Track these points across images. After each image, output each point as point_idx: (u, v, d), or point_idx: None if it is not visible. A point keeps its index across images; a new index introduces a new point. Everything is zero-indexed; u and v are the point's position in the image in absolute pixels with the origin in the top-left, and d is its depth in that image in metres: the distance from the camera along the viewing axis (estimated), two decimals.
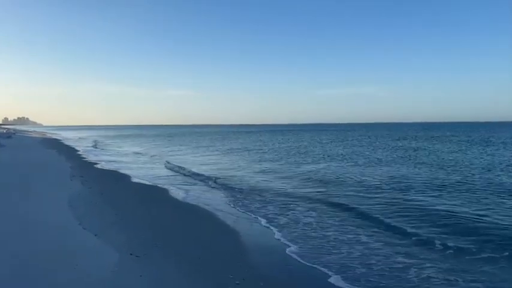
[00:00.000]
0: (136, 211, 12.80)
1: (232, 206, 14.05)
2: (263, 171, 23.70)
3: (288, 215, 12.39)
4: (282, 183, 19.09)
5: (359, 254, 8.72)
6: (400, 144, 48.97)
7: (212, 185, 18.76)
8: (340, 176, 20.94)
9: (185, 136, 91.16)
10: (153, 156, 36.71)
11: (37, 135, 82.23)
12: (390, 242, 9.64)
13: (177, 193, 16.50)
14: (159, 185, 18.55)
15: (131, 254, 8.16)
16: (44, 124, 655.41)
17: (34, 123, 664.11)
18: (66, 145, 52.28)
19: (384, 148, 42.95)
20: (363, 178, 20.06)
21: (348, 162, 28.54)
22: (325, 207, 13.48)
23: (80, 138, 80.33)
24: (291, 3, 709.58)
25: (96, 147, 49.61)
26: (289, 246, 9.20)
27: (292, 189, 17.13)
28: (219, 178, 20.50)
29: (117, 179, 20.51)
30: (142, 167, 27.30)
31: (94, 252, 8.32)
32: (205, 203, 14.46)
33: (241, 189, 17.30)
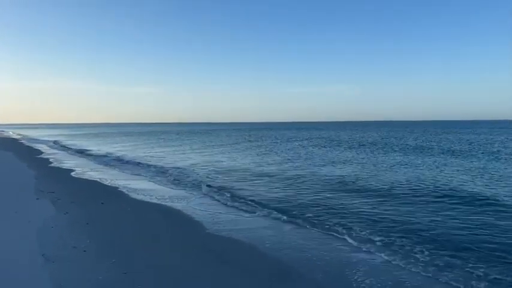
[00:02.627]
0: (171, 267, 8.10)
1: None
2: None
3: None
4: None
5: None
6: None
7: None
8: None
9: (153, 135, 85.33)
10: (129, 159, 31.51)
11: None
12: None
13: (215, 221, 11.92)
14: (170, 206, 13.85)
15: None
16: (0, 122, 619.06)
17: None
18: (27, 146, 45.71)
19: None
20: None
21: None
22: None
23: (45, 136, 72.83)
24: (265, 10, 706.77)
25: (61, 148, 43.46)
26: None
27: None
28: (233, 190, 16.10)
29: (105, 194, 15.54)
30: (124, 173, 22.23)
31: None
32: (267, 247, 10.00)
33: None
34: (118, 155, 34.48)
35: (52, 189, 15.84)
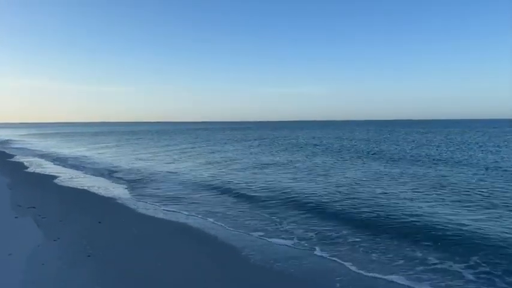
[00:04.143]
0: None
1: None
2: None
3: None
4: None
5: None
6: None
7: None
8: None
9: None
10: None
11: None
12: None
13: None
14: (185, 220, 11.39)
15: None
16: None
17: None
18: None
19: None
20: None
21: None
22: None
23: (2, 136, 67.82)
24: (234, 2, 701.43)
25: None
26: None
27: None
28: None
29: (99, 208, 12.89)
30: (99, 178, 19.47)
31: None
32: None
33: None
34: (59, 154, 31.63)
35: (32, 202, 13.07)
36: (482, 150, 33.30)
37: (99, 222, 10.85)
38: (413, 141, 48.11)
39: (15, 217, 10.94)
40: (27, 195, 14.52)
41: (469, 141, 47.28)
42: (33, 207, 12.33)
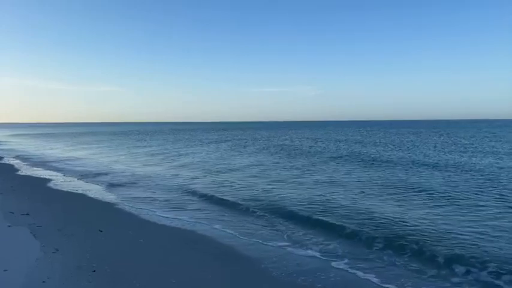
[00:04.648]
0: None
1: None
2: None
3: None
4: None
5: None
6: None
7: None
8: None
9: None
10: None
11: None
12: None
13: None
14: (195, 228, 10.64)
15: None
16: None
17: None
18: None
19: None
20: None
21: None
22: None
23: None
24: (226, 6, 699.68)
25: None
26: None
27: None
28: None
29: (98, 214, 12.07)
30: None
31: None
32: None
33: None
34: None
35: (25, 208, 12.21)
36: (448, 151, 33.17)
37: (100, 231, 10.05)
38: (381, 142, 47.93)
39: (8, 226, 10.08)
40: (18, 200, 13.62)
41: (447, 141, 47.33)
42: (27, 214, 11.48)
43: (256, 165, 25.21)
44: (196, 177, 20.28)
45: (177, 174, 21.54)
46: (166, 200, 14.54)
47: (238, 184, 17.87)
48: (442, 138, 56.87)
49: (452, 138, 54.71)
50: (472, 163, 24.41)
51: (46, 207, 12.84)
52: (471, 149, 35.62)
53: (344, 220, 11.26)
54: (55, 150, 41.54)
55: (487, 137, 57.63)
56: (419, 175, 19.74)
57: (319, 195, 14.88)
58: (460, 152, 32.84)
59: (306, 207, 12.86)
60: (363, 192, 15.47)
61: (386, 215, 11.76)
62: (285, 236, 10.01)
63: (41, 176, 20.47)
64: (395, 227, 10.48)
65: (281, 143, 51.14)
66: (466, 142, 45.62)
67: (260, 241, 9.59)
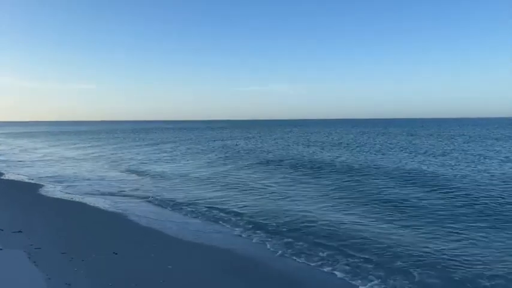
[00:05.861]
0: None
1: None
2: None
3: None
4: None
5: None
6: None
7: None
8: None
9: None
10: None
11: None
12: None
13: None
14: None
15: None
16: None
17: None
18: None
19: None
20: None
21: None
22: None
23: None
24: (207, 2, 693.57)
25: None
26: None
27: None
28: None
29: (107, 230, 10.14)
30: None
31: None
32: None
33: None
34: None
35: (17, 223, 10.20)
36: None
37: (115, 253, 8.17)
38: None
39: (0, 249, 8.09)
40: (7, 212, 11.56)
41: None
42: (20, 232, 9.48)
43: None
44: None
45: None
46: (176, 205, 12.67)
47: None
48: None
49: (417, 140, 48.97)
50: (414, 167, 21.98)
51: (41, 220, 10.83)
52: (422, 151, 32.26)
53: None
54: (43, 149, 38.79)
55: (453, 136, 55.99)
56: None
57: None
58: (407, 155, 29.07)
59: None
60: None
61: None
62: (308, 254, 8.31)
63: (30, 181, 18.27)
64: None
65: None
66: (427, 143, 42.65)
67: (306, 263, 7.87)
